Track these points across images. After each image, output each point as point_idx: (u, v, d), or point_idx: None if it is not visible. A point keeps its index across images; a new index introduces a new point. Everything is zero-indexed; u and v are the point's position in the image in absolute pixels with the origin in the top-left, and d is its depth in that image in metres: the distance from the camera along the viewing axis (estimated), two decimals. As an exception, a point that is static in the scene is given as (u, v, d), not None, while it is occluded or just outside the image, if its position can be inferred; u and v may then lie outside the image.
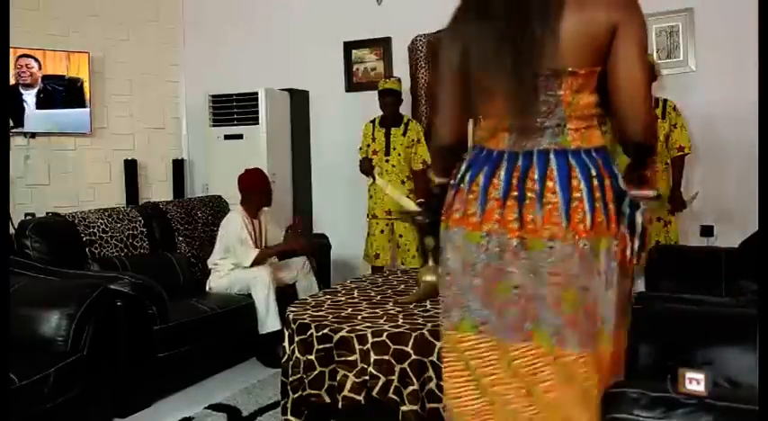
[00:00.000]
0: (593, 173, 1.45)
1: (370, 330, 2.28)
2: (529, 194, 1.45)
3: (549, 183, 1.44)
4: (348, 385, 2.24)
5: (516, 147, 1.49)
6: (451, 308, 1.56)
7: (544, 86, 1.45)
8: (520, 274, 1.46)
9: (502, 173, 1.48)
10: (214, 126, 5.22)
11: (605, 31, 1.43)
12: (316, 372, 2.34)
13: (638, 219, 1.47)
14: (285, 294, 3.69)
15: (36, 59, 4.72)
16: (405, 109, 4.61)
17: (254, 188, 3.87)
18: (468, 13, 1.58)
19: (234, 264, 3.78)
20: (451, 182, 1.60)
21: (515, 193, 1.46)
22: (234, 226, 3.77)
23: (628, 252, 1.47)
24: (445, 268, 1.57)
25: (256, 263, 3.70)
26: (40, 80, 4.79)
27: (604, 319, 1.47)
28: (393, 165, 4.40)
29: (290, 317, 2.51)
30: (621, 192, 1.48)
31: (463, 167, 1.57)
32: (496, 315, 1.49)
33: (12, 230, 3.66)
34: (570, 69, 1.44)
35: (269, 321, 3.59)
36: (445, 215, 1.59)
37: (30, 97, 4.74)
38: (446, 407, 1.64)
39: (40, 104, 4.78)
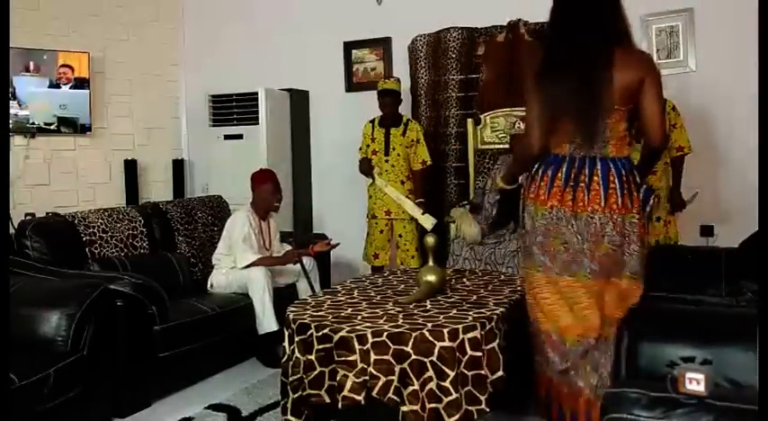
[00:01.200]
0: (623, 172, 2.25)
1: (370, 330, 2.28)
2: (581, 184, 2.24)
3: (595, 178, 2.24)
4: (348, 385, 2.24)
5: (575, 153, 2.28)
6: (529, 254, 2.37)
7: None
8: (569, 235, 2.26)
9: (564, 169, 2.28)
10: (214, 126, 5.23)
11: (637, 83, 2.23)
12: (316, 372, 2.34)
13: (651, 201, 2.31)
14: (285, 294, 3.68)
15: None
16: (405, 109, 4.61)
17: (259, 184, 3.86)
18: (549, 71, 2.32)
19: (234, 262, 3.78)
20: (529, 174, 2.40)
21: (572, 183, 2.25)
22: (237, 223, 3.76)
23: (645, 223, 2.30)
24: (524, 227, 2.40)
25: (252, 266, 3.69)
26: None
27: (627, 267, 2.27)
28: (392, 166, 4.40)
29: (290, 317, 2.51)
30: (640, 185, 2.29)
31: (537, 165, 2.36)
32: (550, 260, 2.30)
33: (12, 230, 3.67)
34: (616, 107, 2.24)
35: (266, 321, 3.58)
36: (524, 195, 2.40)
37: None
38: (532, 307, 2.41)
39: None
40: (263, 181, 3.90)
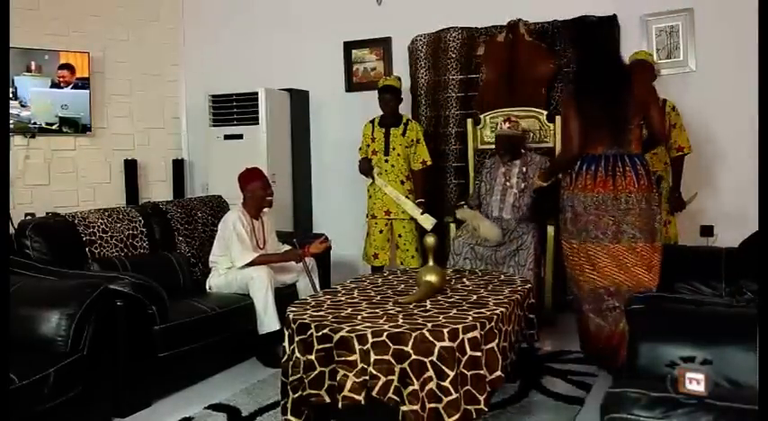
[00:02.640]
0: (644, 163, 3.09)
1: (370, 330, 2.28)
2: (618, 173, 3.04)
3: (627, 168, 3.04)
4: (348, 385, 2.24)
5: (608, 152, 3.07)
6: (582, 231, 3.10)
7: None
8: (614, 211, 3.04)
9: (602, 164, 3.05)
10: (214, 126, 5.23)
11: (645, 103, 3.12)
12: (316, 372, 2.34)
13: (661, 184, 3.49)
14: (285, 294, 3.68)
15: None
16: (405, 109, 4.61)
17: (249, 182, 3.82)
18: (586, 94, 3.09)
19: (232, 263, 3.76)
20: (575, 170, 3.13)
21: (611, 173, 3.04)
22: (229, 223, 3.74)
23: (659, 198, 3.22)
24: (574, 212, 3.12)
25: (252, 265, 3.67)
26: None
27: (657, 230, 3.08)
28: (392, 165, 4.40)
29: (290, 317, 2.51)
30: (653, 173, 3.22)
31: (579, 163, 3.12)
32: (602, 233, 3.06)
33: (12, 230, 3.66)
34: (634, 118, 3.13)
35: (267, 321, 3.57)
36: (572, 187, 3.13)
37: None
38: (576, 281, 3.20)
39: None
40: (252, 179, 3.84)
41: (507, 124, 4.14)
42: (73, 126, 5.00)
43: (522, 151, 4.17)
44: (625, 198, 3.02)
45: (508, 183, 4.15)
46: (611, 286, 3.06)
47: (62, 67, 4.90)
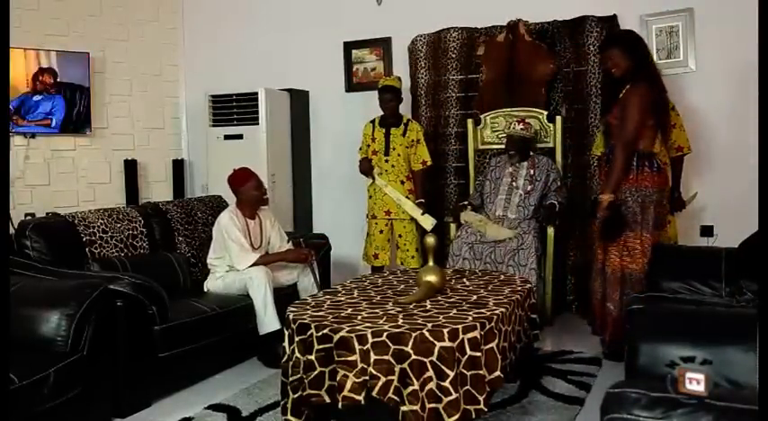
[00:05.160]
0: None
1: (370, 330, 2.28)
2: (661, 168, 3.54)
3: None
4: (348, 385, 2.24)
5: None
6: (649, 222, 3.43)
7: None
8: (632, 202, 3.40)
9: (657, 160, 3.48)
10: (214, 126, 5.23)
11: None
12: (316, 372, 2.34)
13: None
14: (286, 294, 3.68)
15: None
16: (405, 109, 4.61)
17: (242, 184, 3.80)
18: (658, 97, 3.47)
19: (229, 266, 3.75)
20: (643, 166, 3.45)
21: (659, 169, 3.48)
22: (221, 226, 3.71)
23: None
24: (653, 203, 3.44)
25: (254, 265, 3.66)
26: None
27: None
28: (392, 166, 4.40)
29: (290, 317, 2.51)
30: None
31: (646, 161, 3.45)
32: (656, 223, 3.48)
33: (12, 230, 3.66)
34: None
35: (267, 321, 3.56)
36: (642, 180, 3.41)
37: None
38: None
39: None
40: (245, 180, 3.80)
41: (521, 125, 4.16)
42: (76, 131, 5.02)
43: (531, 153, 4.19)
44: (666, 192, 3.53)
45: (515, 184, 4.16)
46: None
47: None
